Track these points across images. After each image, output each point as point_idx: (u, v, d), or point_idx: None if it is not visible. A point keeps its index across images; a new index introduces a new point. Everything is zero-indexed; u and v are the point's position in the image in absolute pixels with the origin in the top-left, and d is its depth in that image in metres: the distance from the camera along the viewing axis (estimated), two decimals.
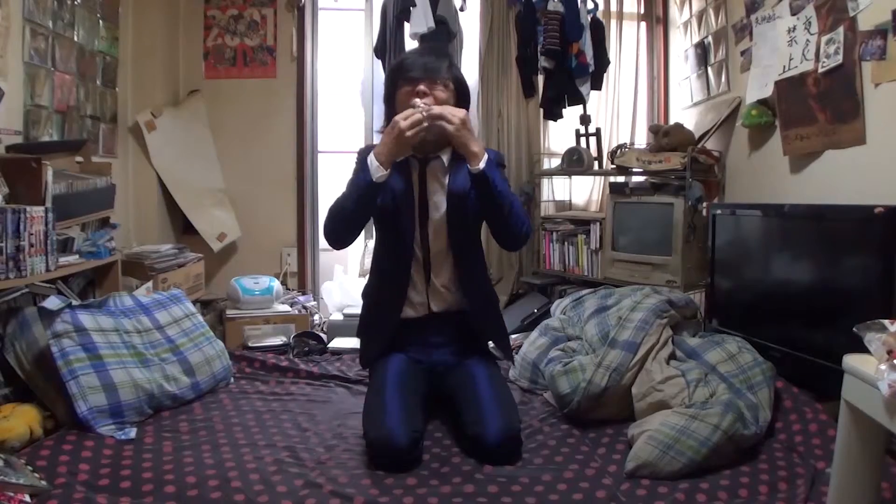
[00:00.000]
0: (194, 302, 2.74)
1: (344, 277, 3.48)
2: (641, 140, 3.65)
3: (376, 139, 3.84)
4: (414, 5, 3.25)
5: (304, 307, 3.34)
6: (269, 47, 3.69)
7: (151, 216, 3.40)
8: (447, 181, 1.92)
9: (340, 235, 1.90)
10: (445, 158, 1.92)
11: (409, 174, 1.93)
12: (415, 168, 1.93)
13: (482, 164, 1.77)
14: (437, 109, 1.76)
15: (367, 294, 2.12)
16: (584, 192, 3.82)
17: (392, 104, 1.92)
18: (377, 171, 1.77)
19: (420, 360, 1.98)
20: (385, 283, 2.01)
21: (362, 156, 1.99)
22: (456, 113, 1.77)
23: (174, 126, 3.42)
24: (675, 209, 2.83)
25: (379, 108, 3.61)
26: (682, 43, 3.52)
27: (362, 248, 3.59)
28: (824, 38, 2.24)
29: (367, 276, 2.13)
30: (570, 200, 3.82)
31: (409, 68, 1.85)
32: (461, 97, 1.92)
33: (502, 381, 2.01)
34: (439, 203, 1.92)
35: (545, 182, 3.74)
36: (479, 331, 2.02)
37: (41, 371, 1.91)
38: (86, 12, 2.83)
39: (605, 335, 2.16)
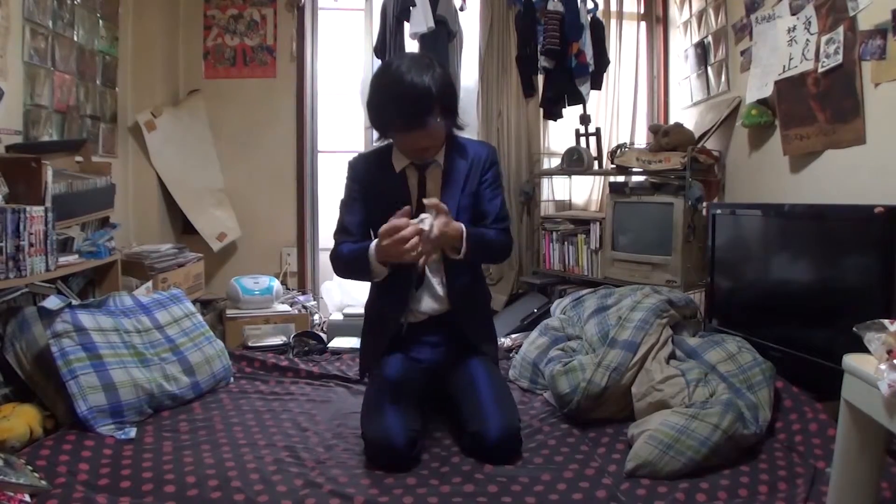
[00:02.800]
0: (194, 302, 2.74)
1: None
2: (641, 140, 3.65)
3: (376, 139, 3.85)
4: (414, 5, 3.25)
5: (304, 307, 3.34)
6: (269, 47, 3.69)
7: (151, 216, 3.40)
8: (441, 183, 1.90)
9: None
10: (440, 159, 1.90)
11: (407, 182, 1.91)
12: (413, 175, 1.91)
13: (461, 254, 1.77)
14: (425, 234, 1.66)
15: (368, 305, 2.11)
16: (584, 191, 3.82)
17: (384, 132, 1.86)
18: (378, 271, 1.76)
19: (419, 359, 1.98)
20: (385, 290, 2.00)
21: (352, 168, 1.97)
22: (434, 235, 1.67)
23: (174, 126, 3.42)
24: (675, 209, 2.83)
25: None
26: (681, 43, 3.52)
27: None
28: (824, 38, 2.24)
29: (369, 290, 2.10)
30: (570, 200, 3.82)
31: (398, 116, 1.73)
32: (449, 111, 1.82)
33: (502, 380, 2.01)
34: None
35: (545, 182, 3.74)
36: (468, 336, 1.99)
37: (41, 371, 1.91)
38: (86, 12, 2.83)
39: (604, 335, 2.16)
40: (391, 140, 1.90)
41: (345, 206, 1.95)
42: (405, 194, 1.90)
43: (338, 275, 1.95)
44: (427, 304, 1.97)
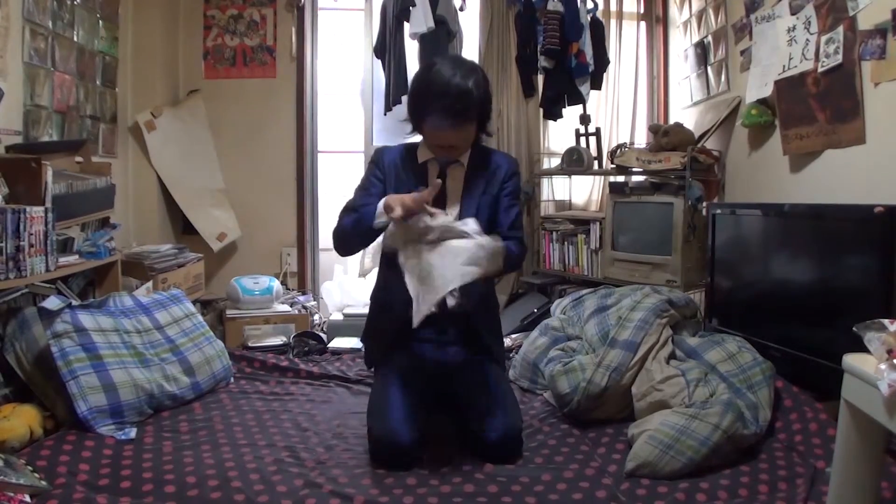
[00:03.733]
0: (194, 302, 2.74)
1: (344, 277, 3.48)
2: (641, 140, 3.65)
3: (376, 139, 3.86)
4: (413, 5, 3.25)
5: (304, 307, 3.34)
6: (269, 47, 3.69)
7: (151, 216, 3.40)
8: (464, 182, 1.91)
9: (349, 251, 1.99)
10: (464, 160, 1.91)
11: (427, 179, 1.91)
12: (434, 170, 1.92)
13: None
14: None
15: (374, 297, 2.11)
16: (583, 191, 3.82)
17: (419, 125, 1.87)
18: (380, 216, 1.75)
19: (424, 357, 1.98)
20: (393, 285, 1.99)
21: (377, 152, 1.99)
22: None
23: (174, 126, 3.42)
24: (675, 209, 2.83)
25: (379, 108, 3.62)
26: (681, 42, 3.52)
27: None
28: (824, 38, 2.24)
29: (375, 279, 2.11)
30: (570, 200, 3.82)
31: (439, 112, 1.76)
32: (483, 116, 1.87)
33: (505, 380, 2.02)
34: (454, 202, 1.90)
35: (545, 182, 3.73)
36: (481, 334, 2.00)
37: (41, 371, 1.91)
38: (85, 12, 2.83)
39: (604, 335, 2.16)
40: (416, 139, 1.93)
41: (361, 188, 1.95)
42: (424, 185, 1.88)
43: (335, 244, 1.93)
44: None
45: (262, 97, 3.69)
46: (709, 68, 3.18)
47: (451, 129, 1.78)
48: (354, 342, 2.93)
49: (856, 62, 2.09)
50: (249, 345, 2.88)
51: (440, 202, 1.88)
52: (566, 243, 3.39)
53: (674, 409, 1.81)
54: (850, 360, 1.24)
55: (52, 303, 1.95)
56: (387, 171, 1.95)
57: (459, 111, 1.76)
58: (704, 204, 2.82)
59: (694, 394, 1.85)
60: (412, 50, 3.37)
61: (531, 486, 1.57)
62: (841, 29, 2.15)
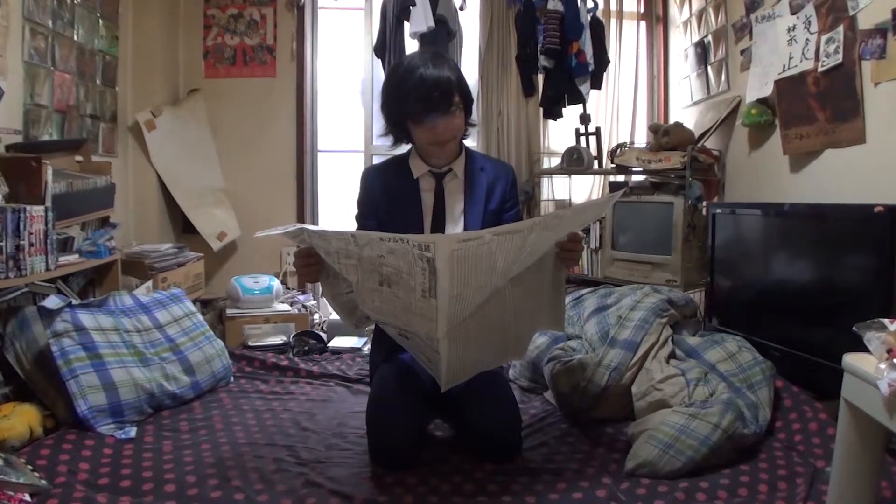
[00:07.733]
0: (194, 301, 2.74)
1: None
2: (641, 139, 3.65)
3: (376, 139, 3.85)
4: (414, 4, 3.25)
5: (304, 306, 3.34)
6: (269, 46, 3.69)
7: (151, 215, 3.40)
8: (463, 197, 1.87)
9: None
10: (459, 171, 1.87)
11: (420, 195, 1.87)
12: (430, 185, 1.87)
13: None
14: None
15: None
16: (584, 191, 3.81)
17: (403, 129, 1.82)
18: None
19: None
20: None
21: (364, 179, 1.93)
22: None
23: (174, 125, 3.42)
24: (675, 208, 2.83)
25: (379, 107, 3.61)
26: (681, 42, 3.52)
27: None
28: (824, 37, 2.24)
29: None
30: (570, 200, 3.82)
31: (420, 102, 1.70)
32: (465, 102, 1.82)
33: (504, 379, 2.01)
34: (457, 218, 1.86)
35: (545, 181, 3.73)
36: None
37: (41, 370, 1.91)
38: (85, 11, 2.83)
39: (604, 334, 2.16)
40: (403, 151, 1.89)
41: (356, 223, 1.92)
42: (420, 201, 1.86)
43: None
44: None
45: (262, 97, 3.69)
46: (709, 68, 3.18)
47: (439, 117, 1.71)
48: (354, 342, 2.94)
49: (856, 62, 2.09)
50: (249, 344, 2.88)
51: (440, 220, 1.85)
52: None
53: (674, 408, 1.81)
54: (850, 359, 1.24)
55: (52, 302, 1.95)
56: (376, 194, 1.88)
57: (443, 96, 1.70)
58: (704, 203, 2.82)
59: (694, 393, 1.85)
60: (412, 49, 3.37)
61: (531, 486, 1.57)
62: (841, 28, 2.15)
